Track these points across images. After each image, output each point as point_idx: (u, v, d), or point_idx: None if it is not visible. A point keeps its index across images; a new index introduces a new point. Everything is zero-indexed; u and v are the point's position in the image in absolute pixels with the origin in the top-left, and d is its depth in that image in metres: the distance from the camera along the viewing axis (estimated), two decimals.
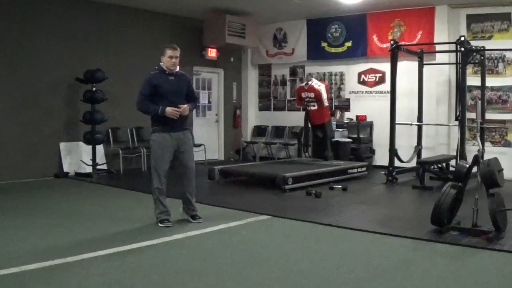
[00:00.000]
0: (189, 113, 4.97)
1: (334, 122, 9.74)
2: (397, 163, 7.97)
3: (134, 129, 9.47)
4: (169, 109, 4.72)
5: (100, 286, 3.26)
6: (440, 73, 8.99)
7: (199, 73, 10.74)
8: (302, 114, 9.32)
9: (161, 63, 4.91)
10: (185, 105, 4.84)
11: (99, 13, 8.92)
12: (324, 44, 10.43)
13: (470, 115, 7.85)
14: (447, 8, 8.84)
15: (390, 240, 4.47)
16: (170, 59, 4.83)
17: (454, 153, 7.90)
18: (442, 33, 8.85)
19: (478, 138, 5.47)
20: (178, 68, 4.95)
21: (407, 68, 8.86)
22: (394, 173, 7.83)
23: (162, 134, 4.83)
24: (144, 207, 6.01)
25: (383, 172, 7.99)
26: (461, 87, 7.70)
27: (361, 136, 9.73)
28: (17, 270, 3.51)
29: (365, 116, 9.84)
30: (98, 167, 8.51)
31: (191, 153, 5.06)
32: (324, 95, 8.61)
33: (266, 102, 11.66)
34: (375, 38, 9.70)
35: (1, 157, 7.66)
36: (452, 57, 8.52)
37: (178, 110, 4.74)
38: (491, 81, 8.41)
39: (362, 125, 9.84)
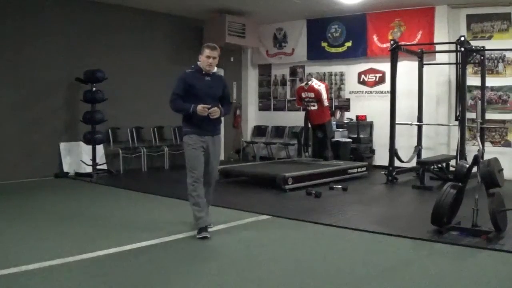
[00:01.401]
0: (221, 116, 4.68)
1: (334, 122, 9.74)
2: (397, 163, 7.97)
3: (134, 129, 9.47)
4: (199, 107, 4.45)
5: (100, 286, 3.26)
6: (440, 73, 8.99)
7: None
8: (302, 114, 9.32)
9: (198, 62, 4.68)
10: (216, 108, 4.54)
11: (99, 13, 8.91)
12: (324, 44, 10.43)
13: (470, 115, 7.85)
14: (447, 8, 8.84)
15: (390, 240, 4.47)
16: (207, 59, 4.59)
17: (454, 153, 7.90)
18: (442, 33, 8.85)
19: (478, 138, 5.48)
20: (215, 69, 4.75)
21: (407, 68, 8.86)
22: (394, 173, 7.83)
23: (193, 136, 4.58)
24: (143, 207, 6.03)
25: (383, 172, 7.99)
26: (461, 87, 7.70)
27: (361, 136, 9.73)
28: (17, 270, 3.51)
29: (365, 116, 9.84)
30: (98, 167, 8.50)
31: (217, 160, 4.83)
32: (324, 95, 8.61)
33: (266, 102, 11.66)
34: (375, 38, 9.70)
35: (1, 157, 7.66)
36: (452, 57, 8.53)
37: (206, 106, 4.46)
38: (491, 81, 8.41)
39: (362, 125, 9.85)
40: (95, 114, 8.31)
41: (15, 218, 5.29)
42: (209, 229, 4.62)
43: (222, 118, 4.93)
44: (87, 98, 8.33)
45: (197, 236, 4.46)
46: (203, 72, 4.64)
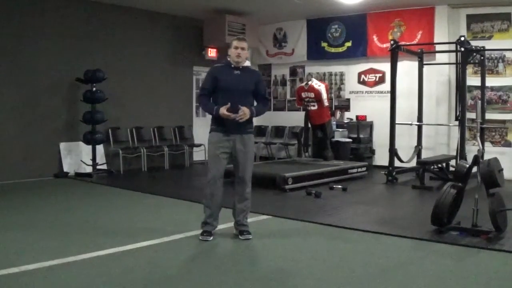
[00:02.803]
0: (252, 116, 4.39)
1: (334, 122, 9.75)
2: (397, 163, 7.97)
3: (134, 129, 9.48)
4: (222, 111, 4.25)
5: (100, 286, 3.26)
6: (440, 73, 8.99)
7: (199, 73, 10.72)
8: (302, 114, 9.32)
9: (228, 58, 4.51)
10: (245, 108, 4.28)
11: (99, 13, 8.91)
12: (324, 44, 10.43)
13: (470, 115, 7.85)
14: (447, 8, 8.85)
15: (390, 240, 4.47)
16: (235, 50, 4.39)
17: (454, 153, 7.90)
18: (442, 33, 8.85)
19: (478, 138, 5.48)
20: (248, 63, 4.53)
21: (407, 68, 8.86)
22: (394, 173, 7.83)
23: (217, 134, 4.39)
24: (143, 207, 6.03)
25: (383, 172, 7.99)
26: (461, 87, 7.70)
27: (361, 136, 9.74)
28: (17, 270, 3.51)
29: (365, 116, 9.84)
30: (98, 167, 8.51)
31: (248, 161, 4.46)
32: (324, 95, 8.61)
33: None
34: (375, 38, 9.70)
35: (1, 157, 7.66)
36: (452, 57, 8.53)
37: (230, 115, 4.25)
38: (491, 81, 8.41)
39: (362, 125, 9.85)
40: (95, 114, 8.32)
41: (15, 218, 5.29)
42: (244, 239, 4.45)
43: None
44: (87, 98, 8.33)
45: (200, 237, 4.43)
46: (232, 66, 4.45)
